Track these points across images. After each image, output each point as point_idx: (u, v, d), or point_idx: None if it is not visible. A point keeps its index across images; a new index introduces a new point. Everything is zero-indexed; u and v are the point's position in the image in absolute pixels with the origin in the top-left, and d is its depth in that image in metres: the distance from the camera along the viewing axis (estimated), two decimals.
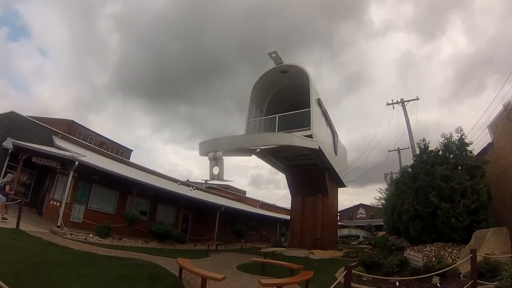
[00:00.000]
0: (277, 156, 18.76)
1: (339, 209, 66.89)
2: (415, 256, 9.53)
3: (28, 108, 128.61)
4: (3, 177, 14.49)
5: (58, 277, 5.98)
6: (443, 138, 12.16)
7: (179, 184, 25.94)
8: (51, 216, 14.79)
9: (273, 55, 17.77)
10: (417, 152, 13.70)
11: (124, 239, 14.63)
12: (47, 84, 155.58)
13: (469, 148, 11.82)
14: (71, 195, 15.06)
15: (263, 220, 31.88)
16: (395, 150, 28.95)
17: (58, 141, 19.41)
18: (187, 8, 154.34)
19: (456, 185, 10.52)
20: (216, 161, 12.14)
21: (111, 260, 9.12)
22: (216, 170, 11.95)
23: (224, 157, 14.38)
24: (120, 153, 41.59)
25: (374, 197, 42.83)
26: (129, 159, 40.10)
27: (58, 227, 12.96)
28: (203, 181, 49.55)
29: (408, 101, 20.22)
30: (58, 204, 14.78)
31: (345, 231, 47.80)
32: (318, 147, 15.70)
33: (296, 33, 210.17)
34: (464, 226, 10.25)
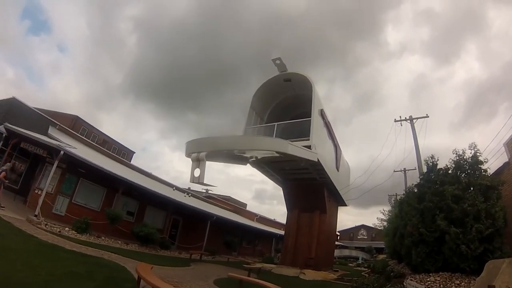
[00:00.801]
0: (273, 167, 17.45)
1: (340, 229, 65.74)
2: (417, 287, 8.08)
3: (39, 100, 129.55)
4: (3, 164, 13.94)
5: (2, 263, 5.73)
6: (455, 155, 10.74)
7: (174, 189, 24.90)
8: (34, 204, 14.01)
9: (277, 61, 16.70)
10: (424, 170, 12.24)
11: (103, 238, 13.95)
12: (62, 79, 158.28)
13: (483, 167, 10.38)
14: (56, 186, 14.64)
15: (259, 234, 30.34)
16: (401, 171, 27.40)
17: (54, 132, 18.77)
18: (205, 14, 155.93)
19: (469, 207, 9.09)
20: (198, 162, 10.99)
21: (73, 256, 8.59)
22: (197, 172, 10.78)
23: (208, 159, 13.29)
24: (122, 154, 40.94)
25: (377, 218, 40.86)
26: (130, 161, 39.42)
27: (36, 216, 12.41)
28: (204, 190, 48.64)
29: (417, 118, 18.86)
30: (41, 193, 14.02)
31: (344, 252, 45.71)
32: (316, 160, 14.36)
33: (311, 48, 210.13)
34: (475, 255, 8.78)
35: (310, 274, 15.27)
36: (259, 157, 13.19)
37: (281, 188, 19.88)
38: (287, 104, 19.28)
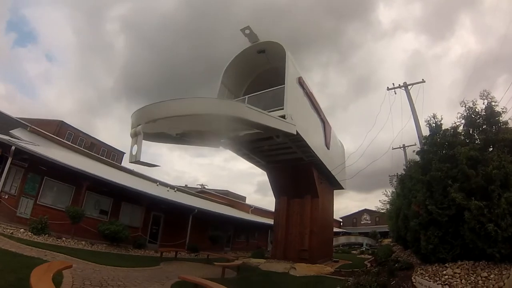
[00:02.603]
0: (251, 149, 14.74)
1: (343, 215, 63.15)
2: None
3: (34, 112, 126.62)
4: None
5: None
6: (464, 108, 7.98)
7: (157, 185, 22.55)
8: None
9: (247, 31, 13.96)
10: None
11: (64, 239, 12.44)
12: (53, 89, 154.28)
13: (502, 119, 7.66)
14: (19, 188, 13.39)
15: (253, 226, 27.66)
16: (400, 148, 24.61)
17: (21, 132, 16.88)
18: (194, 10, 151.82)
19: (493, 171, 6.38)
20: (136, 138, 8.66)
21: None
22: (134, 150, 8.44)
23: (157, 138, 11.50)
24: (112, 155, 38.90)
25: (379, 201, 37.94)
26: (121, 162, 37.25)
27: None
28: (199, 186, 46.36)
29: (412, 84, 16.03)
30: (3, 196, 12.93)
31: (349, 239, 42.93)
32: (295, 132, 11.64)
33: (303, 35, 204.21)
34: (507, 236, 6.14)
35: (301, 269, 12.65)
36: (213, 128, 10.58)
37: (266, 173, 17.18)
38: (264, 79, 16.38)
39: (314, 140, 14.62)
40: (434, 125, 8.59)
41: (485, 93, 7.69)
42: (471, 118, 7.76)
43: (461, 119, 7.98)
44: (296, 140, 13.16)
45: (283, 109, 11.69)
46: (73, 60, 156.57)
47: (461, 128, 8.01)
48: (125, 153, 41.81)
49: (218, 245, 21.34)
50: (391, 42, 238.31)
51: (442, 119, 8.47)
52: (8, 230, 11.19)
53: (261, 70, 16.33)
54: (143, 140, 8.88)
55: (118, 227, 14.20)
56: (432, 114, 8.67)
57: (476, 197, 6.57)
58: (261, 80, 16.44)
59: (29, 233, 11.55)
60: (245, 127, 10.87)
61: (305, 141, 13.19)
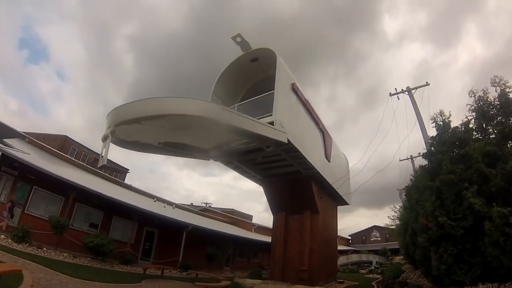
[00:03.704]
0: (244, 162, 13.40)
1: (351, 232, 60.32)
2: None
3: (46, 128, 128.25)
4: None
5: None
6: (473, 99, 6.61)
7: (155, 201, 21.54)
8: None
9: (238, 39, 12.97)
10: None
11: (45, 249, 11.83)
12: (64, 106, 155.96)
13: None
14: (8, 195, 13.07)
15: (254, 245, 25.92)
16: (407, 159, 22.98)
17: (18, 143, 16.89)
18: (199, 24, 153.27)
19: None
20: (105, 142, 8.11)
21: None
22: (104, 153, 7.95)
23: (135, 146, 10.71)
24: (115, 172, 37.84)
25: (388, 217, 35.76)
26: (124, 179, 36.46)
27: None
28: (203, 204, 45.08)
29: (416, 88, 14.68)
30: None
31: (355, 257, 40.38)
32: (286, 140, 10.34)
33: (309, 48, 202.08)
34: None
35: None
36: (192, 135, 9.43)
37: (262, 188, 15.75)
38: (260, 90, 15.14)
39: (311, 150, 13.25)
40: (441, 123, 7.21)
41: (496, 79, 6.34)
42: (482, 109, 6.39)
43: (471, 112, 6.62)
44: (290, 151, 11.82)
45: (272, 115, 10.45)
46: (83, 77, 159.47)
47: (472, 122, 6.63)
48: (128, 169, 41.08)
49: (215, 264, 19.79)
50: (398, 53, 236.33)
51: (450, 115, 7.12)
52: None
53: (255, 79, 15.19)
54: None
55: (103, 240, 13.24)
56: (438, 111, 7.29)
57: (497, 203, 5.14)
58: (257, 90, 15.22)
59: (10, 240, 11.17)
60: (229, 134, 9.69)
61: (300, 152, 11.85)
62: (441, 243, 5.99)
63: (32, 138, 19.30)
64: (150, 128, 9.00)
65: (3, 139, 15.48)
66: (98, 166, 8.48)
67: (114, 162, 39.15)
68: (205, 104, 8.62)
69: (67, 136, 32.35)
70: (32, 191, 13.69)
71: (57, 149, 22.02)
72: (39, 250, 11.57)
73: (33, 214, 13.39)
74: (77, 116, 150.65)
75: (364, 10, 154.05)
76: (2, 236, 11.28)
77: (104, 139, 8.17)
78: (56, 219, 12.78)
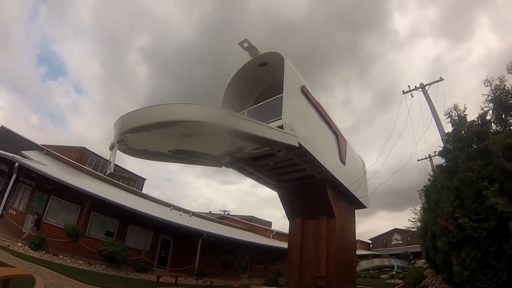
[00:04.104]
0: (256, 167, 13.09)
1: (372, 236, 58.58)
2: None
3: (65, 141, 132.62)
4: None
5: None
6: (489, 88, 6.10)
7: (171, 209, 21.57)
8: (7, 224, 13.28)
9: (245, 44, 12.71)
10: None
11: (61, 256, 12.07)
12: (82, 120, 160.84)
13: None
14: (26, 205, 13.76)
15: (273, 252, 25.43)
16: (426, 158, 22.06)
17: (36, 154, 17.41)
18: (210, 33, 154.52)
19: None
20: (113, 150, 8.16)
21: None
22: (111, 160, 8.03)
23: (142, 154, 10.49)
24: (133, 181, 38.38)
25: (408, 219, 34.36)
26: (141, 189, 36.97)
27: None
28: (222, 212, 45.03)
29: (430, 84, 14.04)
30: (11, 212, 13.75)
31: (377, 262, 38.92)
32: (297, 144, 9.98)
33: (320, 51, 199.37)
34: None
35: None
36: (201, 141, 9.26)
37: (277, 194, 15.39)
38: (270, 95, 15.00)
39: (324, 154, 12.82)
40: (456, 118, 6.71)
41: None
42: (500, 99, 5.88)
43: (488, 102, 6.10)
44: (302, 155, 11.45)
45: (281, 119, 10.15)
46: (99, 90, 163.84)
47: (490, 114, 6.12)
48: (145, 179, 41.55)
49: (232, 271, 19.48)
50: (411, 50, 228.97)
51: (465, 109, 6.61)
52: (6, 243, 11.15)
53: (265, 84, 14.93)
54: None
55: (117, 248, 13.42)
56: (453, 105, 6.79)
57: None
58: (267, 95, 14.94)
59: (27, 247, 11.47)
60: (239, 140, 9.45)
61: (312, 155, 11.47)
62: (463, 246, 5.50)
63: (50, 150, 19.96)
64: (158, 136, 8.89)
65: (21, 151, 15.93)
66: (106, 174, 8.62)
67: (131, 172, 39.86)
68: (207, 109, 8.38)
69: (85, 148, 33.26)
70: (50, 200, 14.10)
71: (75, 160, 22.66)
72: (55, 257, 11.81)
73: (50, 223, 13.73)
74: (95, 128, 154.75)
75: (373, 10, 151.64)
76: (20, 244, 11.54)
77: (112, 147, 8.14)
78: (71, 227, 13.12)
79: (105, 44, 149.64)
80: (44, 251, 11.76)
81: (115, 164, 8.27)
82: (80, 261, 12.48)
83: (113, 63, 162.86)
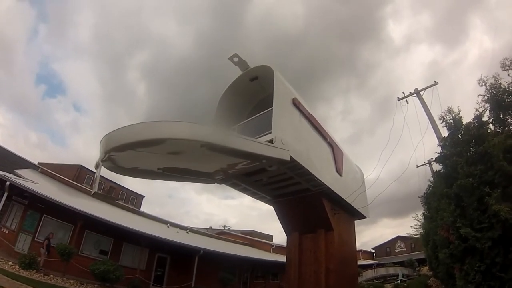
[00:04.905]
0: (249, 183, 12.61)
1: (375, 245, 57.25)
2: None
3: (64, 159, 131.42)
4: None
5: None
6: (484, 88, 5.72)
7: (168, 226, 21.03)
8: None
9: (235, 59, 12.45)
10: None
11: (52, 276, 11.91)
12: (81, 137, 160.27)
13: None
14: (18, 223, 13.49)
15: (273, 266, 24.64)
16: (425, 164, 21.57)
17: (30, 173, 17.18)
18: (208, 49, 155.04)
19: None
20: (98, 169, 8.00)
21: None
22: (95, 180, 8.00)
23: (131, 172, 10.00)
24: (131, 199, 37.91)
25: (411, 226, 33.51)
26: (140, 206, 36.44)
27: None
28: (221, 227, 44.29)
29: (424, 89, 13.76)
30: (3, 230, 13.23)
31: (382, 271, 37.79)
32: (288, 158, 9.54)
33: (319, 63, 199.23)
34: None
35: None
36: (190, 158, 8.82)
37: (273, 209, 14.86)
38: (262, 109, 14.63)
39: (319, 166, 12.38)
40: (451, 121, 6.31)
41: (507, 61, 5.47)
42: (497, 98, 5.49)
43: (484, 102, 5.72)
44: (295, 168, 11.00)
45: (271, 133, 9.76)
46: (98, 108, 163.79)
47: (487, 114, 5.73)
48: (144, 196, 40.94)
49: (231, 287, 18.77)
50: (407, 57, 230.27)
51: (460, 111, 6.20)
52: None
53: (258, 99, 14.58)
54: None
55: (109, 267, 13.11)
56: (446, 108, 6.40)
57: None
58: (260, 109, 14.58)
59: (17, 267, 11.31)
60: (228, 156, 9.03)
61: (306, 169, 11.03)
62: (466, 258, 5.01)
63: (45, 168, 19.66)
64: (145, 154, 8.49)
65: (15, 170, 15.67)
66: (91, 194, 8.19)
67: (129, 189, 39.25)
68: (191, 126, 8.00)
69: (82, 166, 32.86)
70: (42, 219, 13.92)
71: (72, 178, 22.25)
72: (46, 277, 11.58)
73: (42, 241, 13.35)
74: (94, 146, 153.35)
75: (368, 20, 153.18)
76: (10, 263, 11.34)
77: (96, 167, 7.74)
78: (63, 246, 12.91)
79: (104, 62, 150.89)
80: (34, 271, 11.52)
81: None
82: (72, 281, 12.25)
83: (111, 81, 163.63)
